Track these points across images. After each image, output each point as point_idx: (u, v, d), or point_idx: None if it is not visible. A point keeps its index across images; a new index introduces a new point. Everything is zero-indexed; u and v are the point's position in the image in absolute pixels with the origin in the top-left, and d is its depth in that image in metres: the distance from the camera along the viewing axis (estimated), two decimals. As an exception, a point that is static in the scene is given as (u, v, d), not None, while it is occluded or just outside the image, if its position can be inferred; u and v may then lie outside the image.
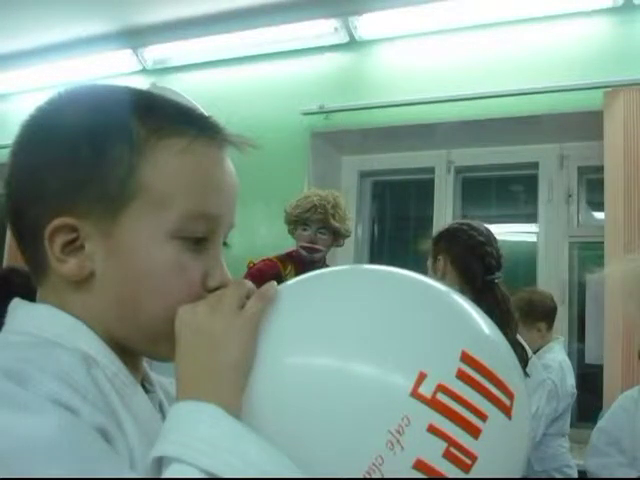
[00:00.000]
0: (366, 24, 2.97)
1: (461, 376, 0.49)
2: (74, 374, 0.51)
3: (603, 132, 2.56)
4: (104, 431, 0.49)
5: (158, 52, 3.37)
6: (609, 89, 2.57)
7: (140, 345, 0.58)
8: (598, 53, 2.66)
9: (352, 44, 3.05)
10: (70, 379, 0.50)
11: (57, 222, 0.54)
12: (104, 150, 0.54)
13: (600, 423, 1.93)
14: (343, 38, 3.03)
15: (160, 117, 0.56)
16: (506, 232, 3.02)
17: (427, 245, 1.91)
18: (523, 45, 2.77)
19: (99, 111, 0.56)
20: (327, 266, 2.06)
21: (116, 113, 0.56)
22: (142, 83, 3.16)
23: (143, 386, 0.61)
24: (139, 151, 0.55)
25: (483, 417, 0.49)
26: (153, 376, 0.65)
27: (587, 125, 2.62)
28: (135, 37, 3.28)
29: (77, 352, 0.53)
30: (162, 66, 3.40)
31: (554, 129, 2.79)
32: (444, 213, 3.07)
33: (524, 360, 1.75)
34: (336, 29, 2.99)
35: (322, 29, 3.03)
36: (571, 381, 2.52)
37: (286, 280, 0.59)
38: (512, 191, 3.28)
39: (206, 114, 0.59)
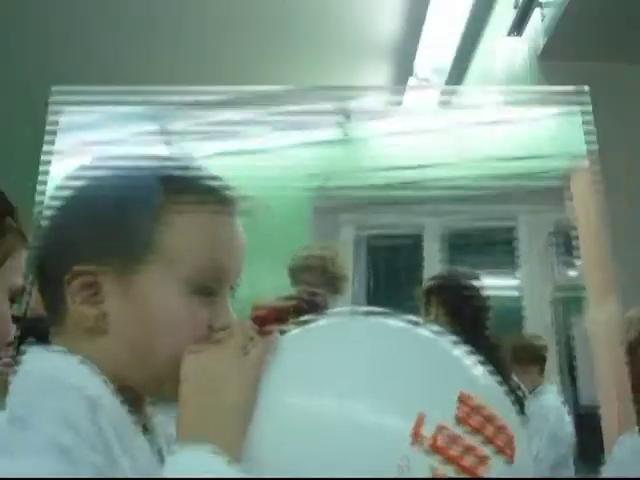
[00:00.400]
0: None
1: (460, 417, 0.49)
2: (78, 419, 0.52)
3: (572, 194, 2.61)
4: (101, 471, 0.50)
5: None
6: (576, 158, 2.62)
7: (146, 386, 0.60)
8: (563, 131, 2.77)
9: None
10: (73, 422, 0.51)
11: (77, 268, 0.58)
12: (128, 216, 0.59)
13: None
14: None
15: (179, 185, 0.61)
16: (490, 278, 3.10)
17: (419, 289, 2.01)
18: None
19: (125, 182, 0.61)
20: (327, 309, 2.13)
21: (141, 183, 0.61)
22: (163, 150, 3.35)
23: (145, 427, 0.62)
24: (158, 217, 0.59)
25: (484, 459, 0.48)
26: (155, 418, 0.66)
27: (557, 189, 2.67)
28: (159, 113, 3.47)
29: (84, 396, 0.55)
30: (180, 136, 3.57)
31: (525, 195, 2.87)
32: (433, 261, 3.21)
33: (521, 402, 1.79)
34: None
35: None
36: (569, 423, 2.52)
37: (289, 321, 0.62)
38: (494, 242, 3.40)
39: (217, 179, 0.65)
